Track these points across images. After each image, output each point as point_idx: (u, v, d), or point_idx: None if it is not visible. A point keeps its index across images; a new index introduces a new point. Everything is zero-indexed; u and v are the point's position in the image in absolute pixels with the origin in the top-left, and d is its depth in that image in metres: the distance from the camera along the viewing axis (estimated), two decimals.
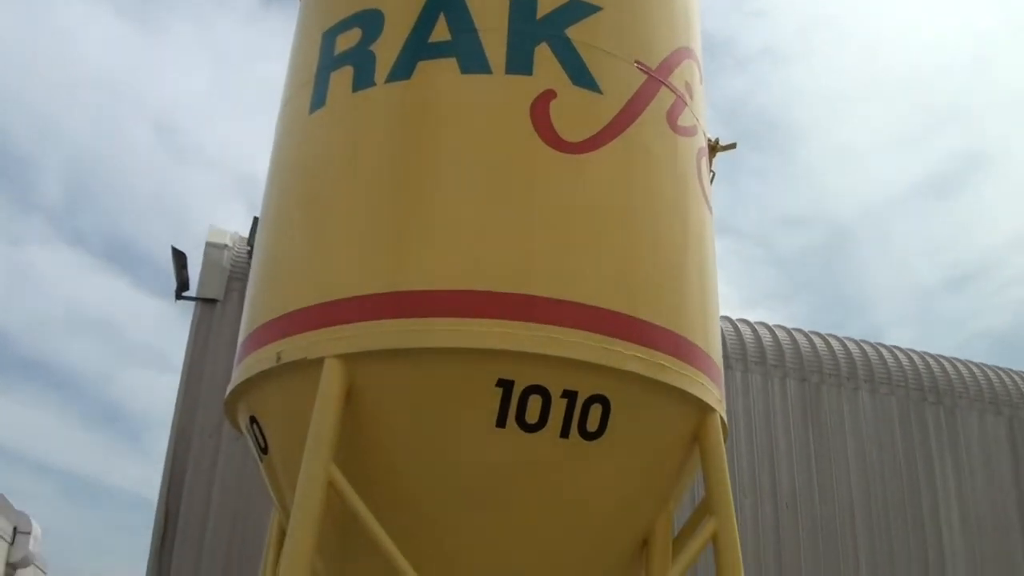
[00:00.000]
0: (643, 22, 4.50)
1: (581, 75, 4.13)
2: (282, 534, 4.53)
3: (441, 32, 4.15)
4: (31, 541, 39.34)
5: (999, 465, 13.36)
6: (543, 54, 4.11)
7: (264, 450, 4.26)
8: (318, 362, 3.73)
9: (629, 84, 4.26)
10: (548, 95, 4.03)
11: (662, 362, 3.89)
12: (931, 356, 13.96)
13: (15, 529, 38.21)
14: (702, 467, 4.17)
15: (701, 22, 5.21)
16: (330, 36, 4.48)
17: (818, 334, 13.22)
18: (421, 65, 4.11)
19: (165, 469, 9.42)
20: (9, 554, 37.52)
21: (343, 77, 4.29)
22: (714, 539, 4.06)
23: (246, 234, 10.69)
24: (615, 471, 3.90)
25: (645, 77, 4.33)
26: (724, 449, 4.19)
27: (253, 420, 4.25)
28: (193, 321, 9.99)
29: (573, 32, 4.19)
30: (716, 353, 4.40)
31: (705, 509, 4.22)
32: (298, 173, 4.42)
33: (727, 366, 10.98)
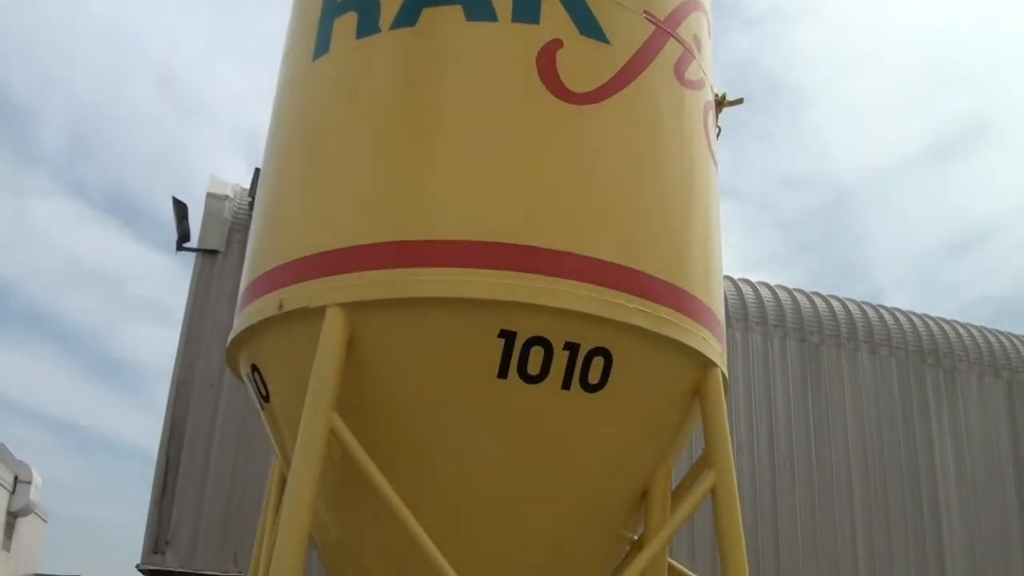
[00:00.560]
0: None
1: (589, 25, 4.07)
2: (283, 482, 4.55)
3: None
4: (32, 490, 39.70)
5: (997, 428, 13.43)
6: (550, 3, 4.06)
7: (265, 399, 4.27)
8: (320, 311, 3.72)
9: (637, 35, 4.20)
10: (555, 44, 3.98)
11: (664, 316, 3.88)
12: (931, 318, 13.96)
13: (16, 478, 38.57)
14: (702, 421, 4.17)
15: None
16: None
17: (819, 295, 13.22)
18: (426, 12, 4.06)
19: (166, 419, 9.46)
20: (10, 503, 37.90)
21: (347, 23, 4.24)
22: (713, 492, 4.08)
23: (247, 186, 10.65)
24: (616, 423, 3.91)
25: (653, 28, 4.27)
26: (725, 404, 4.20)
27: (254, 368, 4.25)
28: (194, 272, 9.98)
29: None
30: (718, 308, 4.39)
31: (704, 463, 4.23)
32: (300, 121, 4.38)
33: (727, 325, 10.97)
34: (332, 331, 3.67)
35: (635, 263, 3.86)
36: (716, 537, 4.10)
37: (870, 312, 13.35)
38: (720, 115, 5.06)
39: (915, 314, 13.91)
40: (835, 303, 13.17)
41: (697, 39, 4.57)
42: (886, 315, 13.46)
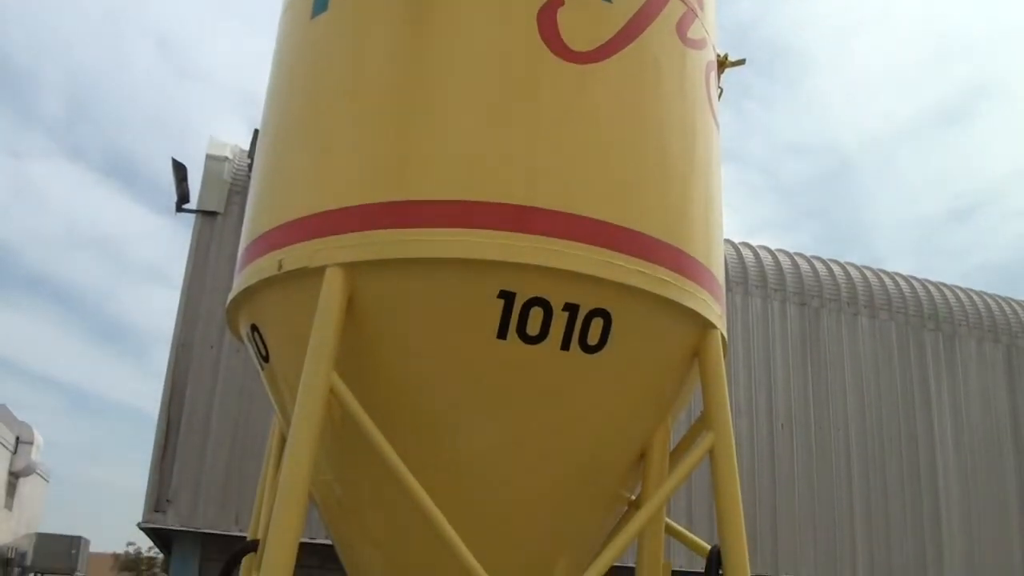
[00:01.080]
0: None
1: None
2: (283, 442, 4.57)
3: None
4: (33, 451, 39.94)
5: (995, 392, 13.48)
6: None
7: (265, 358, 4.27)
8: (319, 271, 3.72)
9: None
10: (555, 2, 3.94)
11: (664, 277, 3.87)
12: (931, 283, 13.97)
13: (17, 439, 38.81)
14: (701, 383, 4.18)
15: None
16: None
17: (819, 259, 13.22)
18: None
19: (166, 380, 9.51)
20: (11, 463, 38.11)
21: None
22: (711, 453, 4.10)
23: (247, 147, 10.61)
24: (615, 384, 3.91)
25: None
26: (724, 366, 4.20)
27: (254, 328, 4.25)
28: (194, 234, 9.99)
29: None
30: (719, 270, 4.38)
31: (703, 424, 4.25)
32: (299, 80, 4.35)
33: (727, 288, 10.97)
34: (331, 291, 3.67)
35: (635, 224, 3.85)
36: (714, 498, 4.12)
37: (870, 276, 13.35)
38: (722, 76, 5.02)
39: (915, 279, 13.91)
40: (835, 267, 13.17)
41: None
42: (886, 279, 13.46)
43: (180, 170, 10.12)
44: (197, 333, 9.67)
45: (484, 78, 3.86)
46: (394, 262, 3.65)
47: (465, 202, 3.66)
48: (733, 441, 4.15)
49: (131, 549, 56.42)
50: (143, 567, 56.46)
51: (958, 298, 13.88)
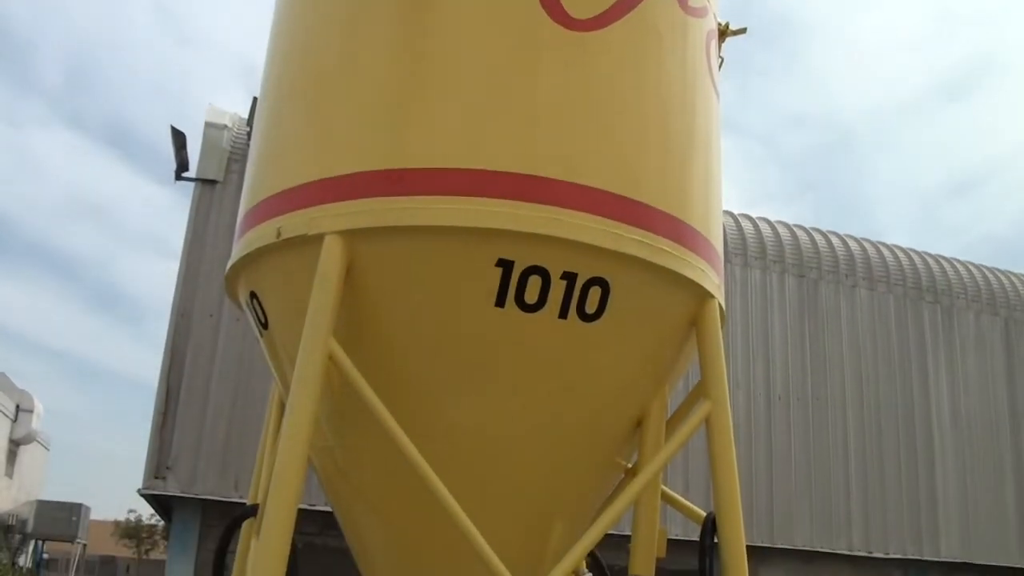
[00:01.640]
0: None
1: None
2: (282, 408, 4.59)
3: None
4: (33, 419, 40.11)
5: (993, 365, 13.52)
6: None
7: (264, 325, 4.29)
8: (318, 238, 3.72)
9: None
10: None
11: (663, 246, 3.88)
12: (930, 256, 13.98)
13: (17, 407, 38.95)
14: (699, 352, 4.20)
15: None
16: None
17: (818, 230, 13.21)
18: None
19: (166, 347, 9.53)
20: (12, 431, 38.26)
21: None
22: (707, 421, 4.12)
23: (246, 115, 10.57)
24: (612, 353, 3.93)
25: None
26: (721, 335, 4.22)
27: (253, 295, 4.26)
28: (193, 202, 9.98)
29: None
30: (717, 240, 4.39)
31: (699, 392, 4.27)
32: (297, 47, 4.33)
33: (726, 260, 10.98)
34: (330, 258, 3.68)
35: (634, 193, 3.85)
36: (710, 465, 4.15)
37: (869, 248, 13.35)
38: (723, 45, 5.00)
39: (914, 251, 13.91)
40: (834, 239, 13.17)
41: None
42: (885, 252, 13.46)
43: (179, 138, 10.09)
44: (197, 301, 9.69)
45: (484, 45, 3.85)
46: (393, 230, 3.66)
47: (464, 170, 3.66)
48: (729, 409, 4.18)
49: (132, 516, 56.86)
50: (144, 534, 56.88)
51: (956, 271, 13.89)
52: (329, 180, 3.81)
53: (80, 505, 39.05)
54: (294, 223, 3.85)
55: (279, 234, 3.89)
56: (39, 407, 40.20)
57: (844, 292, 12.71)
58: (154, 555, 55.12)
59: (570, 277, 3.71)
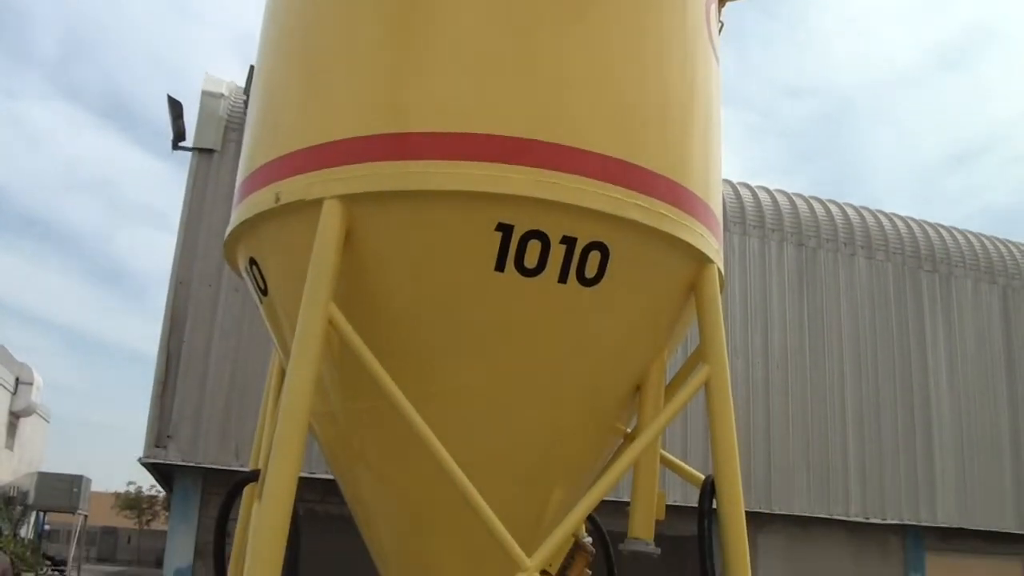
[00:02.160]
0: None
1: None
2: (282, 375, 4.60)
3: None
4: (33, 391, 40.13)
5: (990, 333, 13.55)
6: None
7: (264, 292, 4.29)
8: (317, 203, 3.71)
9: None
10: None
11: (662, 211, 3.87)
12: (929, 224, 13.98)
13: (17, 380, 38.99)
14: (698, 317, 4.21)
15: None
16: None
17: (817, 199, 13.19)
18: None
19: (165, 316, 9.55)
20: (11, 403, 38.31)
21: None
22: (706, 385, 4.14)
23: (243, 84, 10.52)
24: (612, 317, 3.94)
25: None
26: (720, 300, 4.22)
27: (252, 262, 4.26)
28: (190, 171, 9.97)
29: None
30: (717, 205, 4.38)
31: (698, 357, 4.28)
32: (294, 12, 4.30)
33: (725, 228, 10.97)
34: (329, 223, 3.67)
35: (634, 157, 3.84)
36: (709, 429, 4.17)
37: (868, 217, 13.35)
38: (722, 10, 4.97)
39: (913, 219, 13.92)
40: (833, 208, 13.16)
41: None
42: (884, 220, 13.46)
43: (176, 107, 10.05)
44: (195, 270, 9.69)
45: (483, 9, 3.82)
46: (392, 194, 3.65)
47: (463, 134, 3.65)
48: (728, 373, 4.19)
49: (132, 488, 57.17)
50: (144, 505, 57.21)
51: (955, 239, 13.89)
52: (328, 145, 3.80)
53: (81, 477, 39.18)
54: (293, 188, 3.84)
55: (278, 199, 3.88)
56: (38, 379, 40.26)
57: (843, 260, 12.72)
58: (155, 525, 55.50)
59: (570, 241, 3.71)
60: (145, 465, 9.53)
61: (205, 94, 10.08)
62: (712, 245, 4.20)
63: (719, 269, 4.28)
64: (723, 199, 11.02)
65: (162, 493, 50.12)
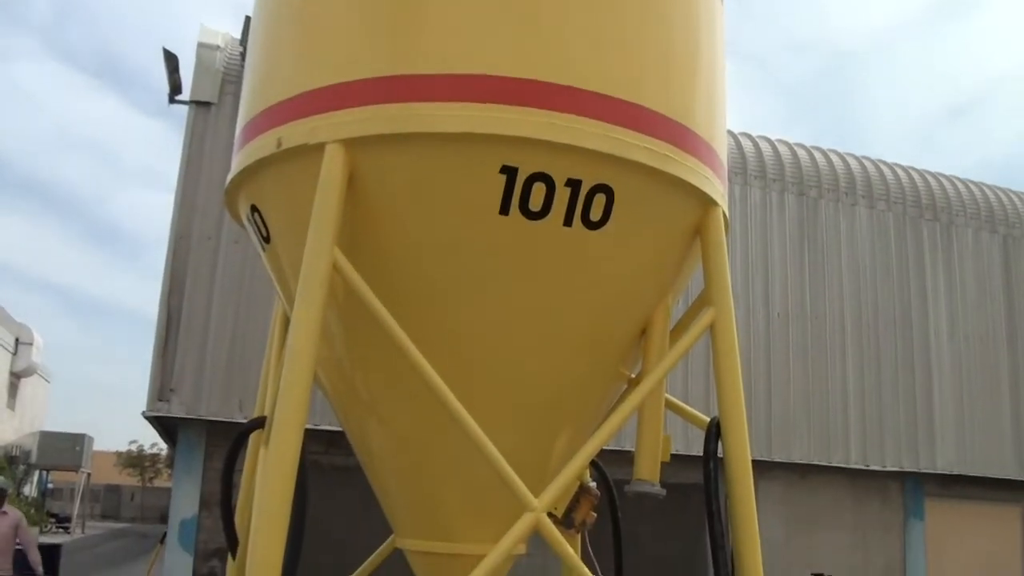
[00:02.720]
0: None
1: None
2: (286, 324, 4.58)
3: None
4: (33, 351, 40.23)
5: (991, 282, 13.55)
6: None
7: (266, 239, 4.26)
8: (319, 147, 3.67)
9: None
10: None
11: (667, 153, 3.84)
12: (930, 173, 13.91)
13: (17, 340, 39.07)
14: (702, 259, 4.19)
15: None
16: None
17: (819, 149, 13.12)
18: None
19: (166, 270, 9.52)
20: (12, 363, 38.42)
21: None
22: (711, 328, 4.13)
23: (238, 36, 10.40)
24: (617, 260, 3.92)
25: None
26: (725, 243, 4.20)
27: (254, 209, 4.23)
28: (187, 124, 9.88)
29: None
30: (721, 148, 4.35)
31: (703, 300, 4.27)
32: None
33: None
34: (332, 167, 3.63)
35: (639, 98, 3.80)
36: (713, 372, 4.17)
37: (869, 167, 13.29)
38: None
39: (914, 169, 13.85)
40: (834, 157, 13.09)
41: None
42: (885, 170, 13.40)
43: (171, 60, 9.94)
44: (195, 223, 9.65)
45: None
46: (395, 137, 3.61)
47: (466, 75, 3.60)
48: (733, 315, 4.18)
49: (133, 447, 57.52)
50: (146, 463, 57.59)
51: (956, 188, 13.84)
52: (329, 88, 3.75)
53: (83, 435, 39.41)
54: (294, 133, 3.80)
55: (279, 144, 3.84)
56: (38, 340, 40.32)
57: (844, 210, 12.68)
58: (157, 483, 55.92)
59: (575, 184, 3.68)
60: (149, 419, 9.55)
61: (201, 46, 9.97)
62: (717, 188, 4.17)
63: (724, 212, 4.25)
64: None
65: (164, 451, 50.52)
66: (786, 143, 12.99)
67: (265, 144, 3.94)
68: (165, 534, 10.06)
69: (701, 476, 4.15)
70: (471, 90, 3.59)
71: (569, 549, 3.91)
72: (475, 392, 3.82)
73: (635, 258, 4.00)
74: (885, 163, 13.60)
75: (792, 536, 11.90)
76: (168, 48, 9.78)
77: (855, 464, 12.07)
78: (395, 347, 3.64)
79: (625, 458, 4.37)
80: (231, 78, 9.85)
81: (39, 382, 44.17)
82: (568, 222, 3.73)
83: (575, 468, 3.87)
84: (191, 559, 9.56)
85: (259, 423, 4.46)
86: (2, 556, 9.26)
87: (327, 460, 8.90)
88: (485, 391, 3.96)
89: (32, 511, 31.17)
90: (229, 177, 4.32)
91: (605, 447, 4.11)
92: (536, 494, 3.72)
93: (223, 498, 4.66)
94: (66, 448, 38.24)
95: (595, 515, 4.57)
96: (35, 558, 10.01)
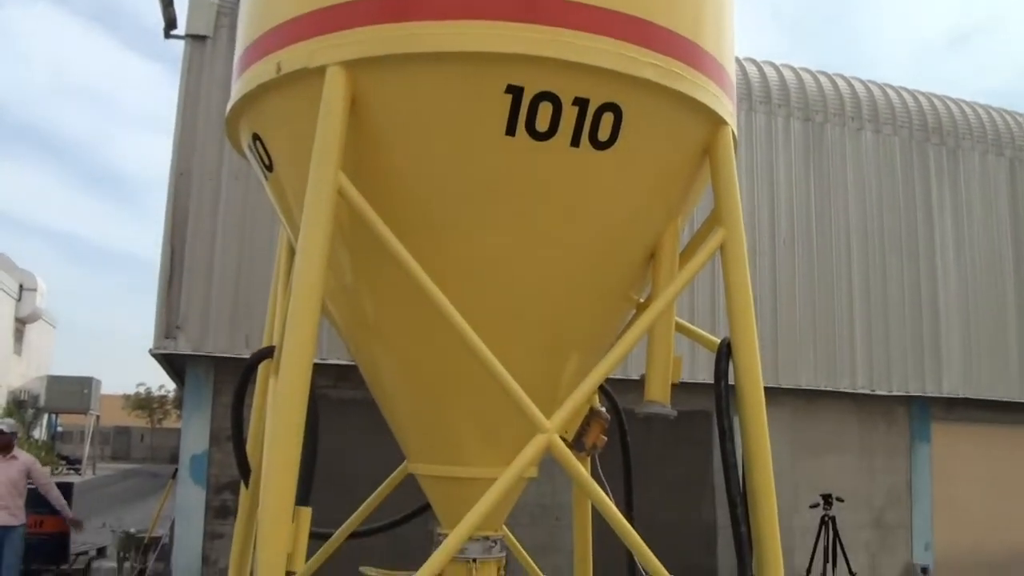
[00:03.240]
0: None
1: None
2: (291, 254, 4.56)
3: None
4: (37, 297, 40.42)
5: (997, 205, 13.47)
6: None
7: (268, 168, 4.20)
8: (320, 71, 3.59)
9: None
10: None
11: (677, 70, 3.76)
12: (936, 97, 13.75)
13: (21, 286, 39.20)
14: (712, 179, 4.13)
15: None
16: None
17: (824, 73, 12.94)
18: None
19: (167, 207, 9.47)
20: (17, 309, 38.58)
21: None
22: (722, 248, 4.09)
23: None
24: (625, 181, 3.86)
25: None
26: (735, 162, 4.14)
27: (255, 138, 4.16)
28: (184, 60, 9.75)
29: None
30: (730, 66, 4.26)
31: (713, 220, 4.22)
32: None
33: None
34: (334, 90, 3.56)
35: (646, 14, 3.70)
36: (725, 292, 4.14)
37: (875, 91, 13.12)
38: None
39: (920, 92, 13.68)
40: (840, 81, 12.92)
41: None
42: (891, 93, 13.23)
43: None
44: (195, 160, 9.57)
45: None
46: (397, 58, 3.53)
47: None
48: (744, 235, 4.14)
49: (141, 389, 57.98)
50: (155, 404, 58.09)
51: (962, 111, 13.68)
52: (328, 9, 3.66)
53: (91, 379, 39.68)
54: (294, 57, 3.72)
55: (279, 69, 3.76)
56: (42, 286, 40.44)
57: (850, 135, 12.55)
58: (166, 424, 56.45)
59: (582, 103, 3.60)
60: (156, 357, 9.57)
61: None
62: (727, 106, 4.09)
63: (733, 131, 4.18)
64: None
65: (171, 392, 50.87)
66: (791, 67, 12.81)
67: (265, 69, 3.86)
68: (176, 471, 10.16)
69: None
70: (474, 7, 3.50)
71: (581, 469, 3.91)
72: (484, 315, 3.79)
73: (644, 179, 3.94)
74: (891, 87, 13.42)
75: (799, 460, 12.00)
76: None
77: (861, 389, 12.11)
78: (403, 272, 3.61)
79: (630, 386, 4.36)
80: (226, 11, 9.70)
81: (45, 327, 44.39)
82: (576, 142, 3.66)
83: (586, 390, 3.86)
84: (204, 492, 9.66)
85: (268, 352, 4.45)
86: (13, 499, 9.32)
87: (336, 394, 8.94)
88: (494, 314, 3.93)
89: (43, 454, 31.51)
90: (229, 105, 4.24)
91: (612, 375, 4.09)
92: (547, 417, 3.71)
93: (234, 427, 4.68)
94: (74, 391, 38.54)
95: (605, 439, 4.57)
96: (57, 498, 10.06)
